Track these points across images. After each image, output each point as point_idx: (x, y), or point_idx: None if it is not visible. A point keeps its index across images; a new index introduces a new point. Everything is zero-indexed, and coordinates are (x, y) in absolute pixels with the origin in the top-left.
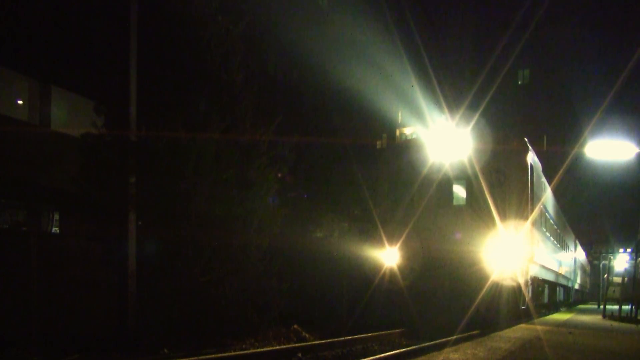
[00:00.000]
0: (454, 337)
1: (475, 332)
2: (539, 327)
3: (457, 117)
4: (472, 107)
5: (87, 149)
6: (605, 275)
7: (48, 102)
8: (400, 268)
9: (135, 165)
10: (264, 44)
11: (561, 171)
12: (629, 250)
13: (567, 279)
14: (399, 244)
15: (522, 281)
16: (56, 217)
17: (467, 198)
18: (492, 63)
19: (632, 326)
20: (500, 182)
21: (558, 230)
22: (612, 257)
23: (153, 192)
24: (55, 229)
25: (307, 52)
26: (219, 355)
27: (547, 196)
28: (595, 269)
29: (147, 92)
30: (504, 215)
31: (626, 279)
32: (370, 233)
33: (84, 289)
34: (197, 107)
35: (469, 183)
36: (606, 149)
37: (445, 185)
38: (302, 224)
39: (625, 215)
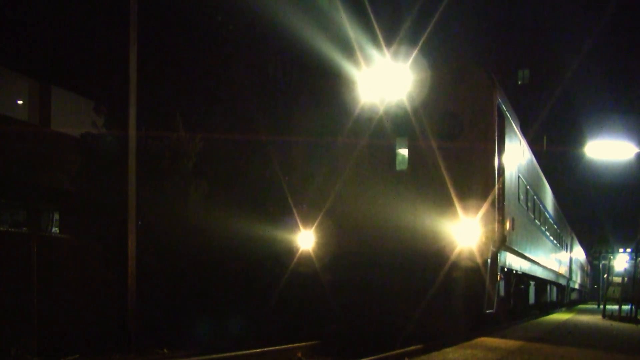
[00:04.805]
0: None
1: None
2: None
3: (396, 46)
4: (416, 33)
5: (87, 149)
6: (605, 275)
7: (48, 102)
8: (318, 256)
9: (135, 165)
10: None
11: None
12: (629, 250)
13: (563, 277)
14: (314, 225)
15: (481, 262)
16: (56, 217)
17: (409, 157)
18: None
19: (632, 326)
20: (455, 134)
21: (547, 216)
22: (612, 257)
23: (153, 191)
24: (55, 229)
25: None
26: (219, 355)
27: (530, 167)
28: (595, 269)
29: (147, 92)
30: (459, 179)
31: (626, 279)
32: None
33: (84, 289)
34: (197, 107)
35: (413, 136)
36: (606, 149)
37: (382, 143)
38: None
39: (625, 215)
